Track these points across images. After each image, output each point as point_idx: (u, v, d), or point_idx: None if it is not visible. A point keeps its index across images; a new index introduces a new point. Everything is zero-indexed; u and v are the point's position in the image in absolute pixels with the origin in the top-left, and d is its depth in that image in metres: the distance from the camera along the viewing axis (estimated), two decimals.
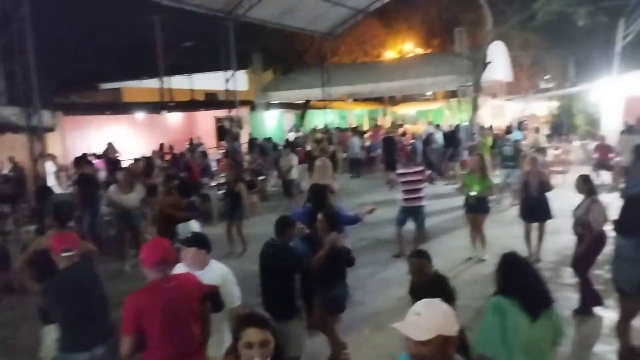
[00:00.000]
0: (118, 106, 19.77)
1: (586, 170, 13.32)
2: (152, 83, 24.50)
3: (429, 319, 1.87)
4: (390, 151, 15.81)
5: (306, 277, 4.12)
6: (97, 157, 14.13)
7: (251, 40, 21.50)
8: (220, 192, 11.16)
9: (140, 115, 18.57)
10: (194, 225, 7.42)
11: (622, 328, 4.44)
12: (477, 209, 7.69)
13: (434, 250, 4.78)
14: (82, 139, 15.49)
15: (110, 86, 24.61)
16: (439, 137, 16.30)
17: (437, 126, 18.50)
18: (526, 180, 7.48)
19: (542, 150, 13.24)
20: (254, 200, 11.86)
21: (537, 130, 15.78)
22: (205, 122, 22.77)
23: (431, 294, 3.19)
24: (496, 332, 2.66)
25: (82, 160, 10.74)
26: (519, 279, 2.83)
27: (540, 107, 26.13)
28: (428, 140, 16.49)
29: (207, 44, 18.01)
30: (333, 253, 4.41)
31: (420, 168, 8.15)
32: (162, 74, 23.91)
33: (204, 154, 15.46)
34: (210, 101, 23.17)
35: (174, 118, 21.58)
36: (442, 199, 12.43)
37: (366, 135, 21.61)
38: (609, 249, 5.12)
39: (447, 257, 7.74)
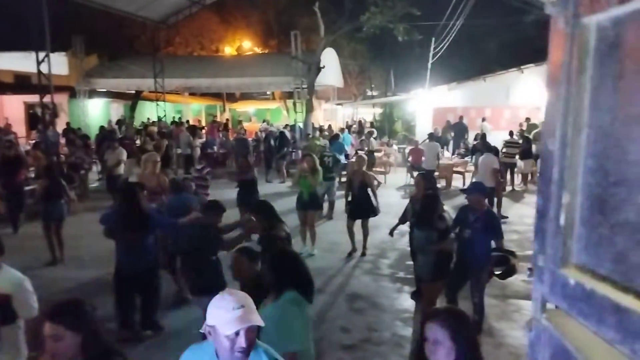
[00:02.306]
0: None
1: (402, 171, 15.02)
2: None
3: (251, 304, 1.93)
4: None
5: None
6: None
7: (72, 20, 19.32)
8: (29, 187, 9.78)
9: None
10: None
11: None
12: (309, 206, 8.00)
13: None
14: None
15: None
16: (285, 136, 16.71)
17: (286, 126, 19.04)
18: (350, 179, 8.03)
19: (372, 154, 14.35)
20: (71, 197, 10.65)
21: (370, 134, 16.98)
22: (13, 107, 19.81)
23: (257, 293, 3.20)
24: (298, 323, 2.66)
25: None
26: (294, 272, 2.89)
27: (367, 113, 28.53)
28: (267, 138, 16.76)
29: (16, 20, 15.64)
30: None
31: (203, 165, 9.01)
32: None
33: (10, 144, 13.39)
34: (20, 84, 20.21)
35: None
36: (276, 198, 12.71)
37: (203, 131, 21.08)
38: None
39: None
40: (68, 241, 7.86)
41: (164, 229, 5.49)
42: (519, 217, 10.21)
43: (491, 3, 18.87)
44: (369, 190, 7.83)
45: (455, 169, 13.74)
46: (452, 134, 16.84)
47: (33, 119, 19.82)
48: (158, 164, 7.70)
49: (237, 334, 1.84)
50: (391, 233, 6.27)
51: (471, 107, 17.66)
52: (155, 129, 19.42)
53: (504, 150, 13.18)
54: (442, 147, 15.20)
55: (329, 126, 20.12)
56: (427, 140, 13.22)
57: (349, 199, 8.01)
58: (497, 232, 4.96)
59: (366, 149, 15.03)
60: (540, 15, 17.52)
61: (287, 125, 19.88)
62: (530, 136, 13.64)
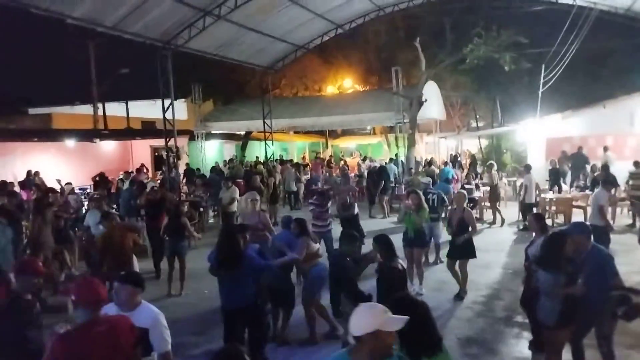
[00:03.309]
0: (47, 133, 18.74)
1: (513, 205, 14.19)
2: (84, 109, 23.63)
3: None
4: None
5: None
6: (21, 186, 13.24)
7: (190, 70, 21.31)
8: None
9: (71, 142, 17.69)
10: (134, 262, 7.06)
11: None
12: (415, 243, 7.84)
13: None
14: (4, 167, 14.52)
15: (40, 111, 23.47)
16: (390, 170, 16.80)
17: (390, 160, 19.13)
18: (450, 218, 7.78)
19: (496, 188, 13.41)
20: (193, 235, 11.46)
21: (491, 167, 14.25)
22: (142, 151, 22.06)
23: None
24: None
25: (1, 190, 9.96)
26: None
27: (471, 145, 27.59)
28: (370, 174, 16.89)
29: (144, 72, 17.64)
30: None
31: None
32: (96, 100, 23.11)
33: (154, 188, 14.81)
34: (148, 130, 22.54)
35: (108, 146, 20.73)
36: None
37: (308, 168, 21.81)
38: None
39: None
40: (188, 274, 8.45)
41: (260, 270, 5.25)
42: None
43: (609, 24, 17.54)
44: (470, 230, 7.40)
45: (574, 203, 12.71)
46: (569, 164, 15.63)
47: (158, 161, 21.90)
48: (257, 202, 8.07)
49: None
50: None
51: (589, 136, 16.31)
52: (262, 167, 20.49)
53: (631, 182, 11.98)
54: (559, 180, 14.18)
55: (431, 159, 19.73)
56: (525, 174, 12.35)
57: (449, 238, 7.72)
58: (609, 270, 4.56)
59: (475, 182, 14.46)
60: None
61: (391, 159, 19.85)
62: None
